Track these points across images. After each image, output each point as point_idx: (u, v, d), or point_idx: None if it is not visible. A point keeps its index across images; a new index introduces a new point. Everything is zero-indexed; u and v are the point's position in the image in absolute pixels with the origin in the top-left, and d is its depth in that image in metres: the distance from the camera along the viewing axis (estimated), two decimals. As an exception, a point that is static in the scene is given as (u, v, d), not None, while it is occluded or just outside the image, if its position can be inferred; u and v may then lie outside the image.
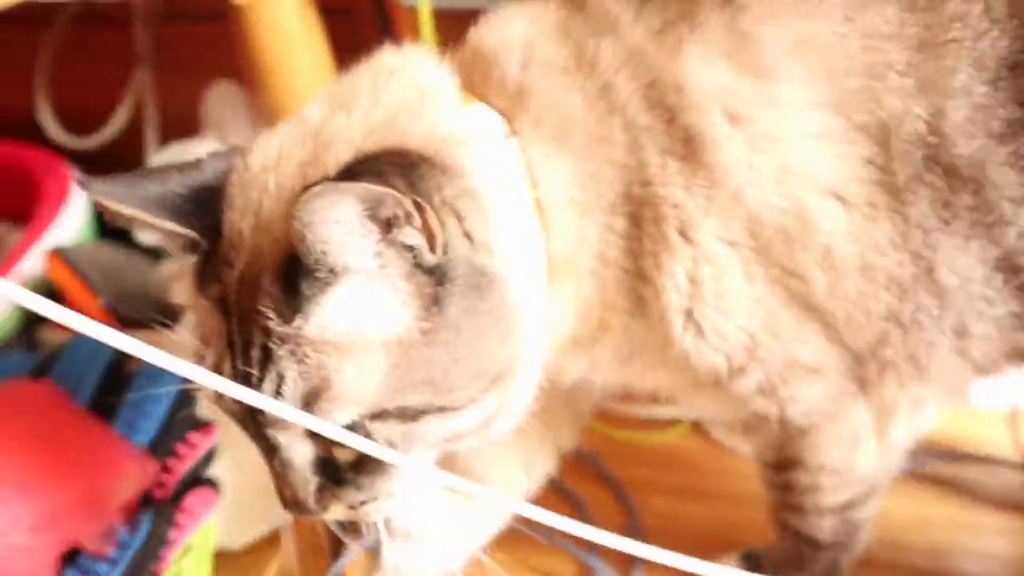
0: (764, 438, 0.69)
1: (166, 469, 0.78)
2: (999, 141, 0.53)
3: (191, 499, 0.79)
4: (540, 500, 0.99)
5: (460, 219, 0.52)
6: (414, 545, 0.78)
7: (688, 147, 0.55)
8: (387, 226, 0.49)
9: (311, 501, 0.55)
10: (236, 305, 0.52)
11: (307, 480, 0.55)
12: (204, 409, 0.80)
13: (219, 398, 0.54)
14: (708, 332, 0.59)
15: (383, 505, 0.56)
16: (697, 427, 1.08)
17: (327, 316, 0.50)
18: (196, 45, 1.32)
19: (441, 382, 0.51)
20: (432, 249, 0.50)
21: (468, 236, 0.52)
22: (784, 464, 0.71)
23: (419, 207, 0.49)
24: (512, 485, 0.80)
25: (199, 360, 0.54)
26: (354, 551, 0.87)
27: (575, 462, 1.01)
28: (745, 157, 0.55)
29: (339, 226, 0.48)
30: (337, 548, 0.94)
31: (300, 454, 0.54)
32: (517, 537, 0.91)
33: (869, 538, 0.79)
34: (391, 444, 0.52)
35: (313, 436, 0.53)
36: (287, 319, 0.50)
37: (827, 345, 0.60)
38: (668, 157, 0.56)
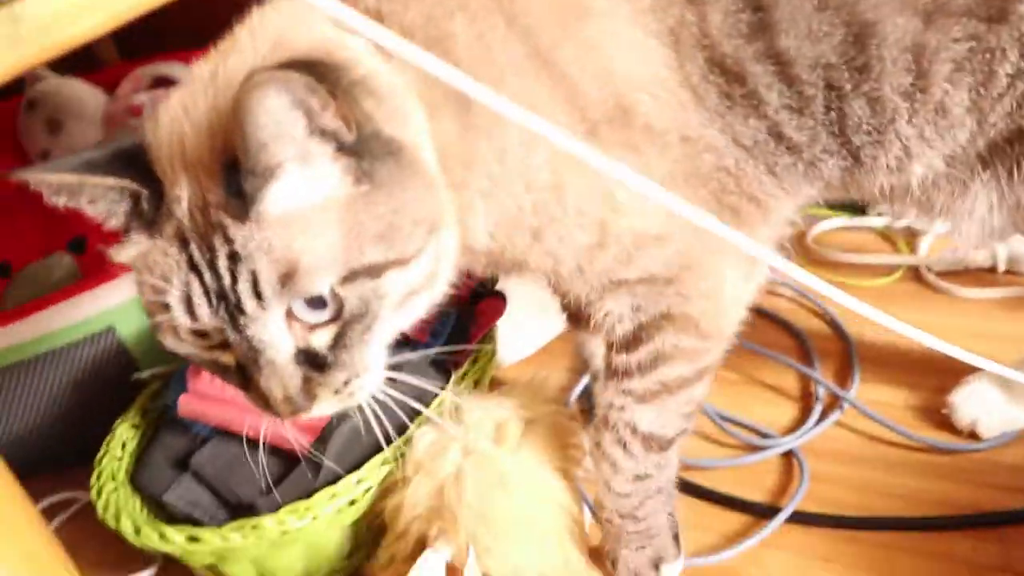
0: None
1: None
2: (747, 41, 0.64)
3: (484, 304, 0.95)
4: (763, 332, 1.11)
5: (360, 103, 0.59)
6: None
7: (534, 58, 0.64)
8: (309, 116, 0.55)
9: (300, 395, 0.60)
10: (193, 230, 0.57)
11: (292, 374, 0.59)
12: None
13: (193, 321, 0.58)
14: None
15: (365, 380, 0.62)
16: (913, 271, 1.18)
17: (278, 203, 0.56)
18: None
19: (391, 234, 0.58)
20: (349, 129, 0.57)
21: (370, 115, 0.60)
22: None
23: (332, 94, 0.57)
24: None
25: (162, 294, 0.58)
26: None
27: (801, 301, 1.16)
28: (576, 58, 0.65)
29: (272, 116, 0.53)
30: (584, 366, 1.07)
31: (282, 349, 0.58)
32: (744, 355, 1.05)
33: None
34: (364, 304, 0.59)
35: (291, 327, 0.59)
36: (243, 219, 0.56)
37: (667, 216, 0.65)
38: (520, 68, 0.64)
